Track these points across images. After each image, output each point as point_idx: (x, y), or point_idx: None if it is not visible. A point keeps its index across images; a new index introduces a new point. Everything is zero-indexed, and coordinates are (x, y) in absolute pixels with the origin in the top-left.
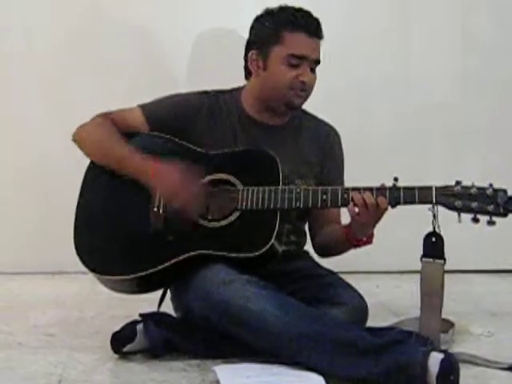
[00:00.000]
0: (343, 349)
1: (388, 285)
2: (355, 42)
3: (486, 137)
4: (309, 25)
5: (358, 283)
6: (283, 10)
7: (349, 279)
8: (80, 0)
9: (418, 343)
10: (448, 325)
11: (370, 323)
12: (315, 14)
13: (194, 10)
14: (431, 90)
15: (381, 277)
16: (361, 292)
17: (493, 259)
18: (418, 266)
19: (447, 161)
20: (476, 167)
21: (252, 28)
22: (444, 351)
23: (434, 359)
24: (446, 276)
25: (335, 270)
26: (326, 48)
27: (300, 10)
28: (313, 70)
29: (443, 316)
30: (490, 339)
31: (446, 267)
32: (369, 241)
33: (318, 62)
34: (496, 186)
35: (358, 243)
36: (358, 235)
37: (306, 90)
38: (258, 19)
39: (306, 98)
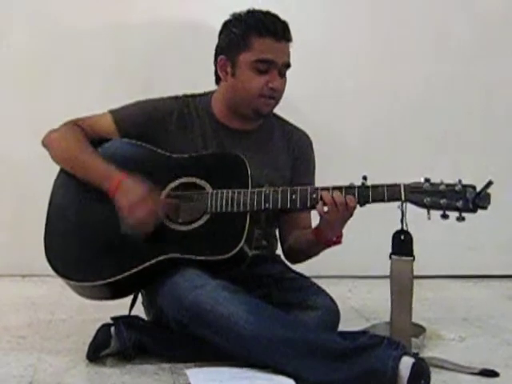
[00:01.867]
0: (314, 353)
1: (360, 289)
2: (329, 45)
3: (457, 138)
4: (276, 29)
5: (329, 287)
6: (251, 14)
7: (321, 283)
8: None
9: (389, 348)
10: (419, 330)
11: (342, 328)
12: (291, 17)
13: (169, 9)
14: (405, 92)
15: (353, 281)
16: (332, 296)
17: (464, 265)
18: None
19: (419, 163)
20: (447, 168)
21: (220, 33)
22: (415, 356)
23: (405, 364)
24: (418, 281)
25: (307, 273)
26: (301, 51)
27: (267, 13)
28: (282, 74)
29: (415, 321)
30: (461, 344)
31: (418, 272)
32: (338, 241)
33: (287, 65)
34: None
35: (327, 243)
36: (328, 235)
37: (275, 96)
38: (226, 24)
39: (275, 105)
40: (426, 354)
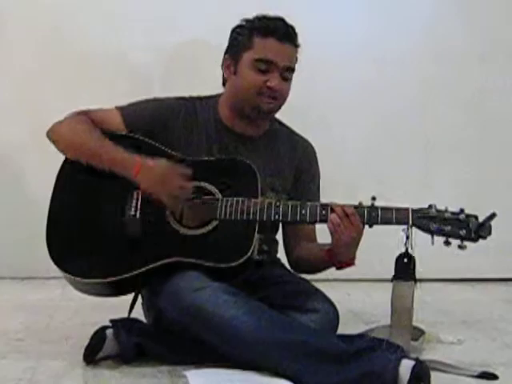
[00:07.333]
0: (313, 356)
1: (359, 293)
2: (324, 49)
3: (455, 146)
4: (279, 30)
5: (328, 291)
6: (256, 18)
7: (320, 287)
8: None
9: (388, 351)
10: (418, 333)
11: (341, 331)
12: (291, 19)
13: (168, 20)
14: (401, 99)
15: (352, 285)
16: (331, 299)
17: (462, 268)
18: (388, 274)
19: (416, 170)
20: (446, 179)
21: (230, 36)
22: (415, 359)
23: (405, 366)
24: (417, 285)
25: (307, 277)
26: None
27: (274, 17)
28: (285, 79)
29: (414, 324)
30: (460, 347)
31: (417, 276)
32: (351, 263)
33: (290, 69)
34: (466, 197)
35: (340, 265)
36: (341, 257)
37: (275, 97)
38: (235, 28)
39: (277, 105)
40: (425, 356)
